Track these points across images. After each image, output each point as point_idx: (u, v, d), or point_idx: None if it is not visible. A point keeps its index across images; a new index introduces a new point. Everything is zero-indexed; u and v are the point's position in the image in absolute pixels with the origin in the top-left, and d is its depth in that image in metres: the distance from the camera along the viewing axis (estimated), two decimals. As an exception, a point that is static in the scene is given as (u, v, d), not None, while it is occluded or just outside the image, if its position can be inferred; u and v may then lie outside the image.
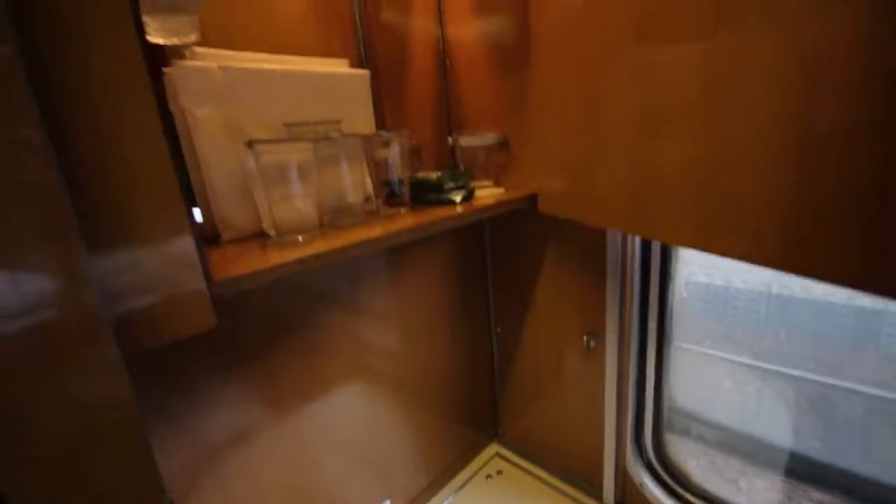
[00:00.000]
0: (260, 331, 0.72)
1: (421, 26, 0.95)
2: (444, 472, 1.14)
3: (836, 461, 0.95)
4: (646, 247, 0.86)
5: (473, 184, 0.85)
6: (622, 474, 1.00)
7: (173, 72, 0.56)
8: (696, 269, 0.97)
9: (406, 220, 0.68)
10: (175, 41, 0.53)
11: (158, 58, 0.57)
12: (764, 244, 0.44)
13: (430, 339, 1.04)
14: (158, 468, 0.39)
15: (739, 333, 1.14)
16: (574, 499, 1.06)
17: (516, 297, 1.09)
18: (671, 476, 0.97)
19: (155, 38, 0.50)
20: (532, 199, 0.83)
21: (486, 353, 1.21)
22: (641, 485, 0.97)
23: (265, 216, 0.64)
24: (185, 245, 0.40)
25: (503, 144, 0.87)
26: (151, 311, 0.39)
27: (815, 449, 1.00)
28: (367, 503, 0.96)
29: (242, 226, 0.64)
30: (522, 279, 1.06)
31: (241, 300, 0.69)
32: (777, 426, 1.08)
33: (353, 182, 0.70)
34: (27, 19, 0.31)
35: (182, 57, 0.59)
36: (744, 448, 1.07)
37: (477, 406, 1.22)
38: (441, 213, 0.71)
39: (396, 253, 0.92)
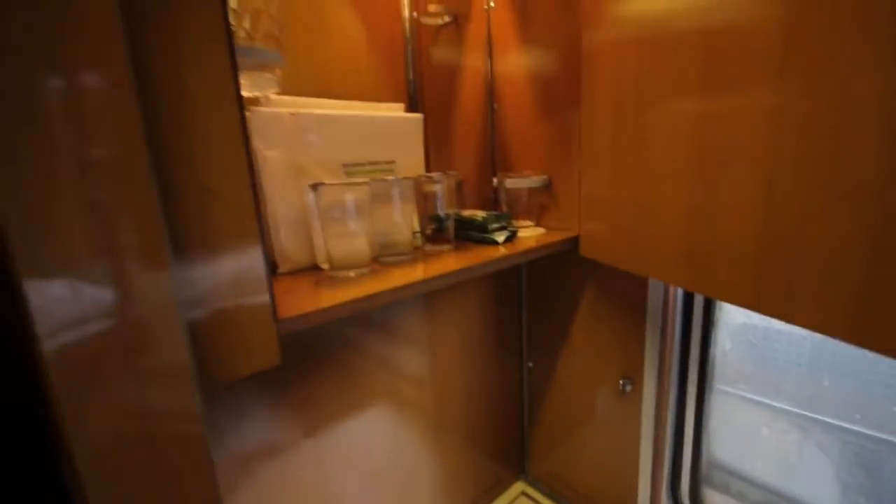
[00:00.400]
0: (304, 354, 0.75)
1: (470, 63, 0.99)
2: (470, 507, 1.13)
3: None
4: (688, 294, 0.85)
5: (515, 224, 0.87)
6: (657, 528, 0.97)
7: (250, 116, 0.62)
8: (732, 307, 0.94)
9: (451, 261, 0.70)
10: (258, 94, 0.58)
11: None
12: (830, 312, 0.43)
13: (460, 371, 1.05)
14: (218, 488, 0.41)
15: (779, 378, 1.09)
16: (604, 548, 1.02)
17: (550, 334, 1.09)
18: (709, 533, 0.93)
19: (245, 93, 0.55)
20: (574, 241, 0.84)
21: (517, 388, 1.20)
22: (677, 541, 0.93)
23: (320, 251, 0.68)
24: (258, 270, 0.44)
25: (547, 186, 0.89)
26: (222, 335, 0.42)
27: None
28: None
29: (298, 259, 0.68)
30: (558, 317, 1.06)
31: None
32: (820, 484, 1.02)
33: (403, 219, 0.74)
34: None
35: (257, 103, 0.64)
36: (787, 509, 1.01)
37: (504, 440, 1.20)
38: (485, 253, 0.74)
39: (436, 303, 0.95)
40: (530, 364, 1.17)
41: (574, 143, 0.84)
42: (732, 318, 0.92)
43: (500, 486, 1.22)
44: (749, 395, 1.09)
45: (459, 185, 1.00)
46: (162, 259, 0.36)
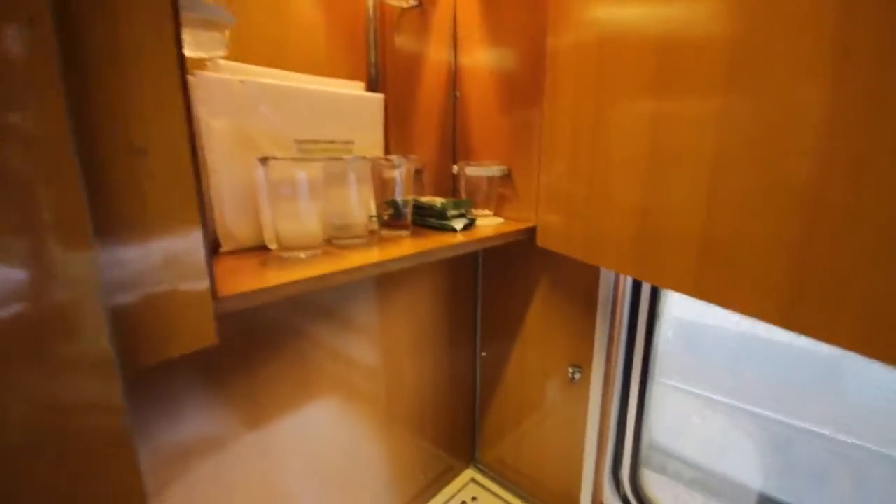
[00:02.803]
0: (250, 342, 0.71)
1: (433, 49, 0.97)
2: (419, 495, 1.13)
3: (792, 500, 0.98)
4: (637, 286, 0.89)
5: (474, 212, 0.86)
6: (598, 509, 1.01)
7: (195, 81, 0.57)
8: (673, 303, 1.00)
9: (407, 245, 0.69)
10: (203, 55, 0.53)
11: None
12: (765, 300, 0.46)
13: (412, 360, 1.04)
14: (143, 485, 0.38)
15: (707, 370, 1.17)
16: (548, 531, 1.06)
17: (504, 324, 1.10)
18: (646, 513, 0.98)
19: (188, 52, 0.50)
20: (531, 231, 0.85)
21: (469, 377, 1.21)
22: (616, 521, 0.98)
23: (268, 230, 0.64)
24: (196, 250, 0.40)
25: (507, 176, 0.90)
26: (151, 317, 0.39)
27: (775, 488, 1.03)
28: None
29: (244, 238, 0.64)
30: (512, 306, 1.07)
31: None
32: (743, 465, 1.10)
33: (359, 202, 0.71)
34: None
35: (203, 66, 0.59)
36: (714, 487, 1.09)
37: (455, 429, 1.21)
38: (441, 239, 0.73)
39: (390, 273, 0.93)
40: (483, 353, 1.18)
41: (534, 137, 0.84)
42: (667, 312, 0.97)
43: (451, 474, 1.23)
44: (681, 386, 1.16)
45: (419, 172, 0.99)
46: (82, 236, 0.32)
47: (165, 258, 0.39)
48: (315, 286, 0.52)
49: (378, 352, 0.95)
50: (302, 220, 0.62)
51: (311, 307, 0.80)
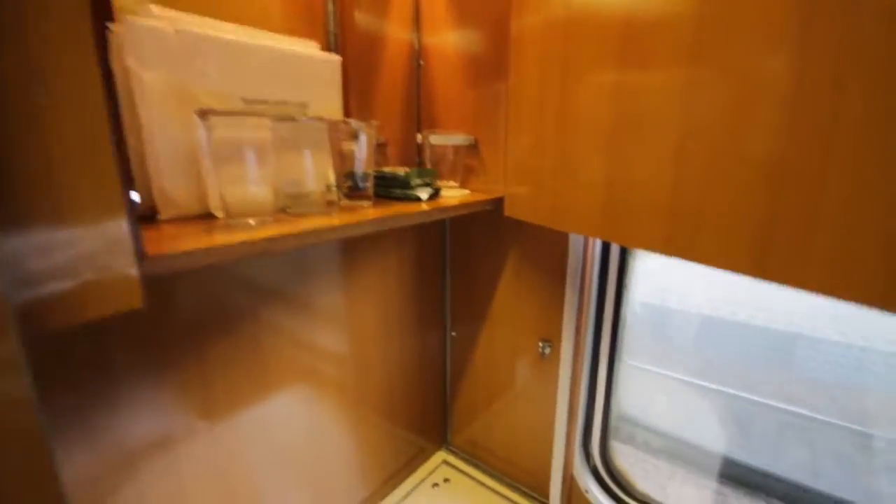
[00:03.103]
0: (194, 326, 0.66)
1: (396, 15, 0.93)
2: (389, 479, 1.10)
3: (751, 463, 1.02)
4: (605, 257, 0.89)
5: (440, 183, 0.83)
6: (569, 481, 1.01)
7: (120, 29, 0.51)
8: (642, 287, 1.02)
9: (368, 213, 0.65)
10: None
11: (103, 11, 0.51)
12: (735, 252, 0.46)
13: (379, 342, 1.00)
14: (61, 483, 0.33)
15: (672, 351, 1.21)
16: (521, 507, 1.06)
17: (474, 302, 1.08)
18: (615, 482, 0.99)
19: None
20: (498, 202, 0.83)
21: (439, 358, 1.19)
22: (587, 491, 0.98)
23: (214, 196, 0.59)
24: (118, 224, 0.35)
25: (473, 147, 0.87)
26: (68, 295, 0.34)
27: (736, 453, 1.07)
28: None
29: (186, 204, 0.59)
30: (481, 283, 1.05)
31: (177, 290, 0.63)
32: (705, 436, 1.14)
33: (315, 170, 0.67)
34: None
35: (132, 12, 0.53)
36: (680, 453, 1.12)
37: (426, 412, 1.19)
38: (405, 208, 0.69)
39: (351, 248, 0.89)
40: (454, 334, 1.16)
41: (501, 110, 0.82)
42: (633, 298, 0.98)
43: (422, 457, 1.20)
44: (647, 367, 1.19)
45: (382, 146, 0.94)
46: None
47: (80, 220, 0.34)
48: (263, 249, 0.48)
49: (343, 333, 0.91)
50: (250, 185, 0.57)
51: (267, 287, 0.75)
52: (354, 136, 0.69)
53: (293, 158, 0.64)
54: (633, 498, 0.96)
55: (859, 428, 0.88)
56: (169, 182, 0.56)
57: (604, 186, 0.61)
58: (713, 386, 1.12)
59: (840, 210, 0.38)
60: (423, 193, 0.76)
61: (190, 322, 0.65)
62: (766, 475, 1.01)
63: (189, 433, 0.67)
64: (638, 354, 1.13)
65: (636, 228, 0.57)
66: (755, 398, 1.08)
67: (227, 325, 0.70)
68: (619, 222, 0.59)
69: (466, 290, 1.10)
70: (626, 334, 0.95)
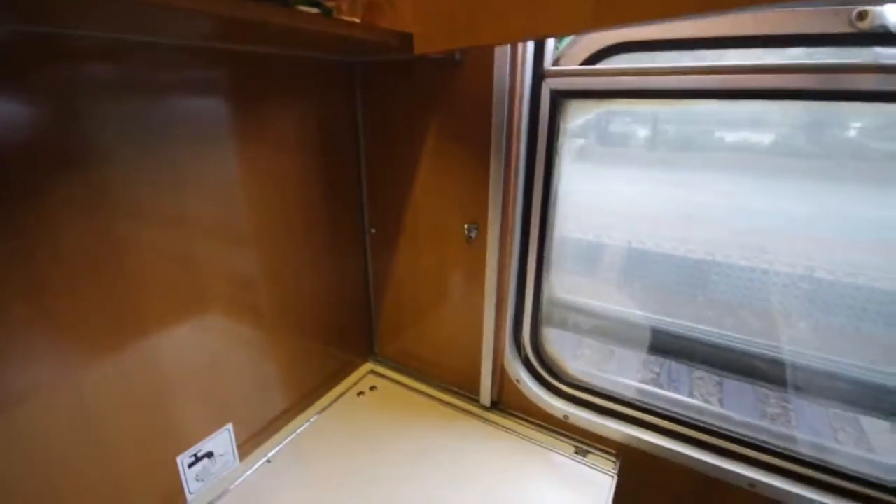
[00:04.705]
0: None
1: None
2: (308, 394, 0.99)
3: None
4: (533, 117, 0.78)
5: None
6: (499, 374, 0.96)
7: None
8: (573, 226, 1.00)
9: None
10: None
11: None
12: None
13: (286, 249, 0.85)
14: None
15: (603, 284, 1.25)
16: (450, 405, 1.00)
17: (392, 188, 0.95)
18: (547, 369, 0.95)
19: None
20: (406, 38, 0.67)
21: (359, 263, 1.06)
22: (518, 381, 0.94)
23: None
24: None
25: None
26: None
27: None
28: (204, 431, 0.77)
29: None
30: (400, 168, 0.92)
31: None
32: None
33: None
34: None
35: None
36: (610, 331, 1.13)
37: (348, 323, 1.07)
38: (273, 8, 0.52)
39: (237, 123, 0.71)
40: (373, 230, 1.03)
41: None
42: (563, 234, 0.92)
43: (347, 370, 1.10)
44: (580, 300, 1.17)
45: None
46: None
47: None
48: None
49: (241, 244, 0.75)
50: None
51: (126, 202, 0.57)
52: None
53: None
54: (564, 382, 0.93)
55: (761, 341, 0.97)
56: None
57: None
58: (638, 313, 1.15)
59: None
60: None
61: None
62: (690, 340, 1.05)
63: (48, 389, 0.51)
64: (571, 291, 1.12)
65: (560, 11, 0.45)
66: (671, 320, 1.13)
67: (72, 252, 0.51)
68: (542, 11, 0.47)
69: (384, 177, 0.96)
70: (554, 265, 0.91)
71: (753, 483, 0.73)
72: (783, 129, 0.86)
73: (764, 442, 0.76)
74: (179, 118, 0.63)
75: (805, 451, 0.73)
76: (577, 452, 0.87)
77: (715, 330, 1.04)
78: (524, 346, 0.96)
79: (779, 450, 0.75)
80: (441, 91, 0.82)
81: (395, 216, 0.97)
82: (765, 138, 0.89)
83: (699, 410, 0.82)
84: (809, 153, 0.84)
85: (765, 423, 0.86)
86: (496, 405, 0.99)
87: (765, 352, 0.99)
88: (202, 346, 0.72)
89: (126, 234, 0.59)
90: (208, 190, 0.69)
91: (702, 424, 0.81)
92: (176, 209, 0.65)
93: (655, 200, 1.02)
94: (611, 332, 1.16)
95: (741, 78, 0.62)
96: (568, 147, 0.83)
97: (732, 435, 0.78)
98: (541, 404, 0.92)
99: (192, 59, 0.63)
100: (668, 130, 1.01)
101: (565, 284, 1.09)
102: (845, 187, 0.84)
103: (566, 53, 0.76)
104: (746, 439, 0.77)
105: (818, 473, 0.72)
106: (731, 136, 0.92)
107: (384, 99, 0.90)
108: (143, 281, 0.62)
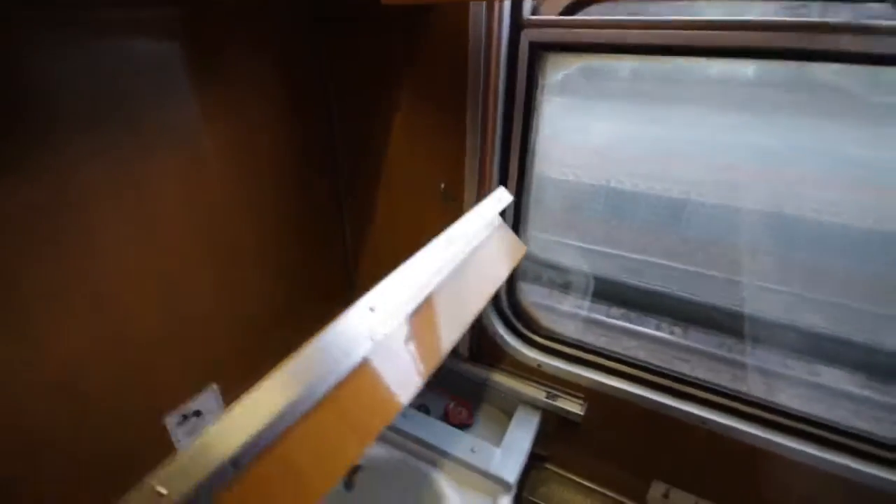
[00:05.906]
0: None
1: None
2: (291, 348, 1.00)
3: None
4: (511, 62, 0.75)
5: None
6: (478, 328, 1.00)
7: None
8: (553, 165, 0.99)
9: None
10: None
11: None
12: None
13: (261, 217, 0.82)
14: None
15: (583, 224, 1.27)
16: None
17: (367, 151, 0.92)
18: (522, 322, 0.99)
19: None
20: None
21: (337, 228, 1.04)
22: (494, 333, 0.97)
23: None
24: None
25: None
26: None
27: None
28: (188, 392, 0.78)
29: None
30: (374, 127, 0.88)
31: None
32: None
33: None
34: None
35: None
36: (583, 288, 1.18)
37: (325, 282, 1.07)
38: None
39: (196, 78, 0.65)
40: (349, 199, 1.00)
41: None
42: (544, 174, 0.91)
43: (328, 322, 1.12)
44: (559, 239, 1.19)
45: None
46: None
47: None
48: None
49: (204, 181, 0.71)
50: None
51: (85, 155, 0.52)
52: None
53: None
54: (538, 333, 0.98)
55: (727, 277, 1.01)
56: None
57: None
58: (612, 251, 1.17)
59: None
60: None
61: None
62: (662, 295, 1.11)
63: None
64: (550, 228, 1.13)
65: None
66: (644, 258, 1.16)
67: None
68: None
69: (359, 139, 0.92)
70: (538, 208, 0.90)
71: (705, 420, 0.81)
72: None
73: (716, 385, 0.83)
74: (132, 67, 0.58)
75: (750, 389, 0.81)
76: (547, 397, 0.93)
77: (682, 266, 1.09)
78: (500, 301, 0.99)
79: (727, 391, 0.82)
80: (414, 45, 0.77)
81: (371, 178, 0.95)
82: (748, 70, 0.85)
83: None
84: (795, 84, 0.80)
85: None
86: (473, 356, 1.03)
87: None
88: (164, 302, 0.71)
89: (83, 196, 0.56)
90: (174, 157, 0.65)
91: (660, 370, 0.87)
92: (139, 174, 0.61)
93: (640, 137, 1.01)
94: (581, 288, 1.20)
95: (724, 35, 0.60)
96: (550, 85, 0.80)
97: (688, 379, 0.85)
98: (516, 355, 0.97)
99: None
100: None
101: (541, 239, 1.11)
102: (833, 123, 0.82)
103: (545, 1, 0.71)
104: (700, 382, 0.84)
105: (761, 412, 0.80)
106: (714, 68, 0.88)
107: (354, 56, 0.84)
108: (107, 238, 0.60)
